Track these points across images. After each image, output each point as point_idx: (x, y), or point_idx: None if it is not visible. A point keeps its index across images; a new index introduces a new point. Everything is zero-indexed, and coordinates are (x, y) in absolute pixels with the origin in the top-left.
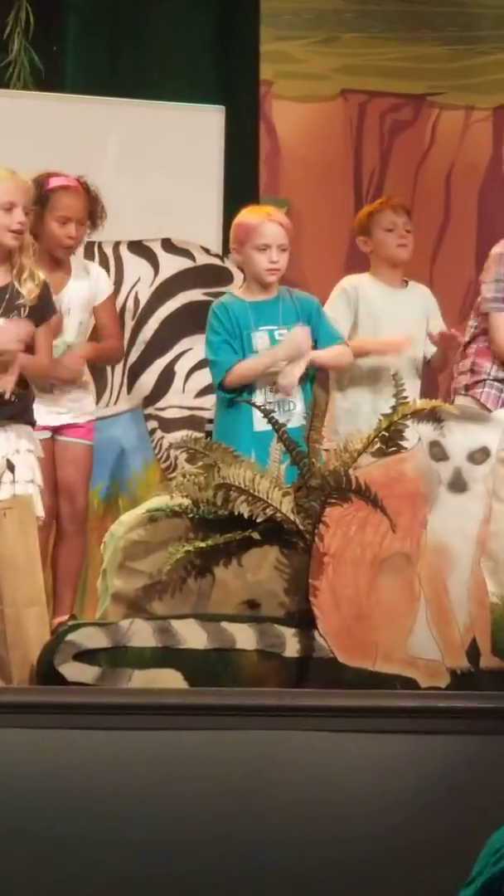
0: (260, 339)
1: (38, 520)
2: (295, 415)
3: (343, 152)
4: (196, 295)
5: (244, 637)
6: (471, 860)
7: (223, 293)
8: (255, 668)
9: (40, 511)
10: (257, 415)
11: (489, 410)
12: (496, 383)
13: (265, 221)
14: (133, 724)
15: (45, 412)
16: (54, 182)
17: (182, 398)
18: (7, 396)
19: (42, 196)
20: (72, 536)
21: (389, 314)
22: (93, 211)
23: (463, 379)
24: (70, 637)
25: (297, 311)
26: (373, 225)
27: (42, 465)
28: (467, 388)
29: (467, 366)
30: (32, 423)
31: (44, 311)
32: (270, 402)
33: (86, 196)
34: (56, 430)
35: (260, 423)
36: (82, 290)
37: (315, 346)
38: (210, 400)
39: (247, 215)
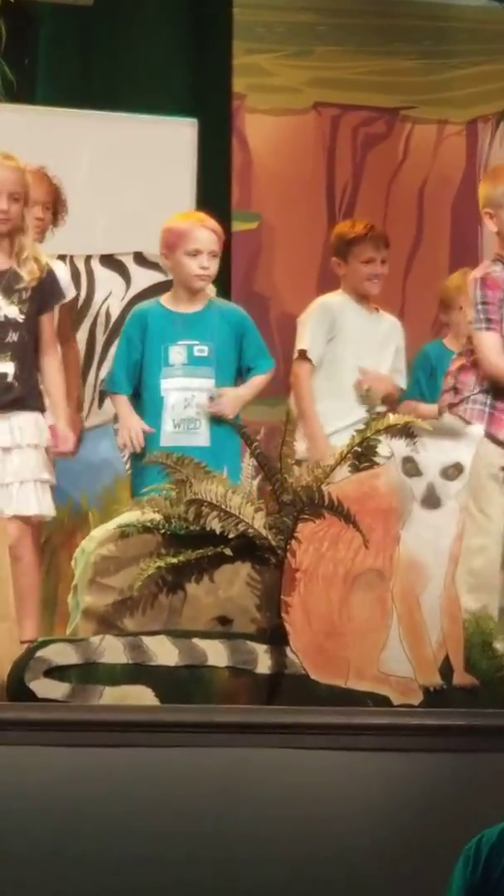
0: (177, 353)
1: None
2: (199, 434)
3: (316, 166)
4: None
5: (216, 653)
6: (444, 878)
7: None
8: (226, 685)
9: (49, 509)
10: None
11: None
12: (479, 396)
13: (197, 227)
14: (104, 740)
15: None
16: None
17: None
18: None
19: None
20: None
21: (364, 339)
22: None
23: (447, 397)
24: (40, 653)
25: (227, 326)
26: (350, 253)
27: None
28: (451, 406)
29: (450, 384)
30: (41, 410)
31: (46, 295)
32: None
33: (43, 181)
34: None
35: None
36: None
37: (241, 362)
38: None
39: (178, 220)
